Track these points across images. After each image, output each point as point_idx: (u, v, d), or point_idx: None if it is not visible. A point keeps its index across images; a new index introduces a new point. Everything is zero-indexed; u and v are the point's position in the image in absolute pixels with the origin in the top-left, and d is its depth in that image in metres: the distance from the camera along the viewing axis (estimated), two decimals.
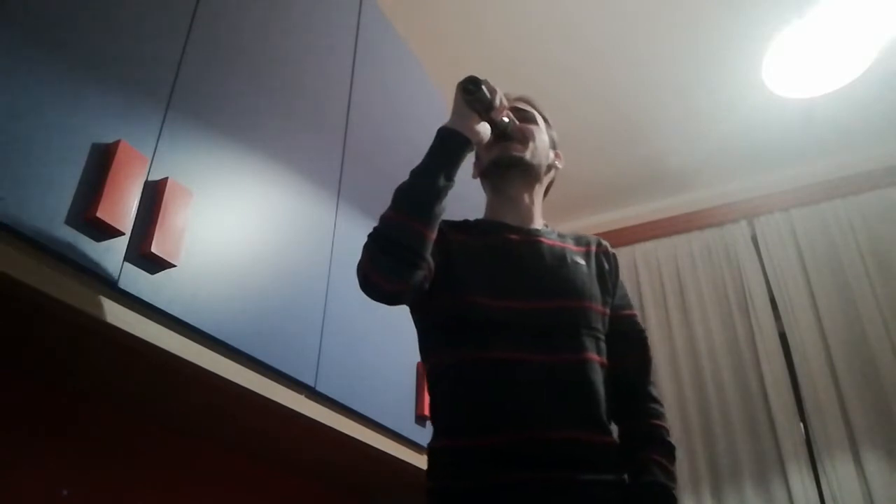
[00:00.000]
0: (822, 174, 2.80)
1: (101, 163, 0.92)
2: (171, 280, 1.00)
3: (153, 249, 0.96)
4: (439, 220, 1.02)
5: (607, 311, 1.16)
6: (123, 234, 0.93)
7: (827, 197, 2.74)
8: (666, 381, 2.69)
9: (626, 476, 1.04)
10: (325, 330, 1.31)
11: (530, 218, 1.22)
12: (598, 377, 1.06)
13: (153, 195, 0.99)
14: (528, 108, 1.30)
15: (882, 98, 2.54)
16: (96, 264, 0.89)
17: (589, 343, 1.08)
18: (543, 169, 1.26)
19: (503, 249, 1.15)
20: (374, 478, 1.64)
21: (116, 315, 0.92)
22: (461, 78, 1.09)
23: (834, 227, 2.68)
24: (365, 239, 1.02)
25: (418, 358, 1.21)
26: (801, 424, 2.49)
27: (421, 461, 1.51)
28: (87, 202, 0.89)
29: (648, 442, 1.07)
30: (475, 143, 1.08)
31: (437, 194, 1.00)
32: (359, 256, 1.02)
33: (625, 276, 3.16)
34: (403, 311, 1.18)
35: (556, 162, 1.31)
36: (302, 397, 1.24)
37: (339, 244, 1.41)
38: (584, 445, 0.99)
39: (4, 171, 0.81)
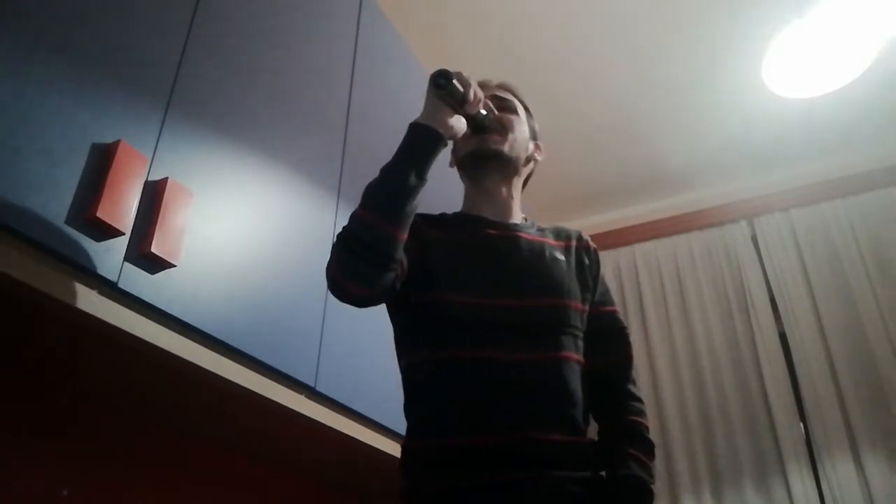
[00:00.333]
0: (822, 174, 2.80)
1: (101, 163, 0.92)
2: (171, 280, 1.00)
3: (153, 249, 0.96)
4: (411, 220, 0.98)
5: (586, 307, 1.13)
6: (123, 234, 0.93)
7: (827, 197, 2.74)
8: (666, 381, 2.69)
9: (603, 473, 1.02)
10: (325, 330, 1.31)
11: (509, 211, 1.19)
12: (575, 376, 1.04)
13: (153, 195, 0.99)
14: (509, 96, 1.24)
15: (882, 98, 2.54)
16: (96, 264, 0.89)
17: (566, 341, 1.06)
18: (522, 161, 1.21)
19: (480, 245, 1.12)
20: (374, 478, 1.64)
21: (116, 315, 0.92)
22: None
23: (834, 227, 2.68)
24: None
25: None
26: (801, 424, 2.49)
27: None
28: (87, 202, 0.89)
29: (626, 437, 1.06)
30: (449, 138, 1.03)
31: (408, 194, 0.96)
32: None
33: (625, 276, 3.15)
34: None
35: (536, 154, 1.26)
36: (302, 397, 1.24)
37: None
38: (557, 445, 0.98)
39: (5, 171, 0.81)
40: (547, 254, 1.14)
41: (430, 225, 1.13)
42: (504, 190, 1.20)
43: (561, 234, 1.21)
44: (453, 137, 1.05)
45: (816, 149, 2.78)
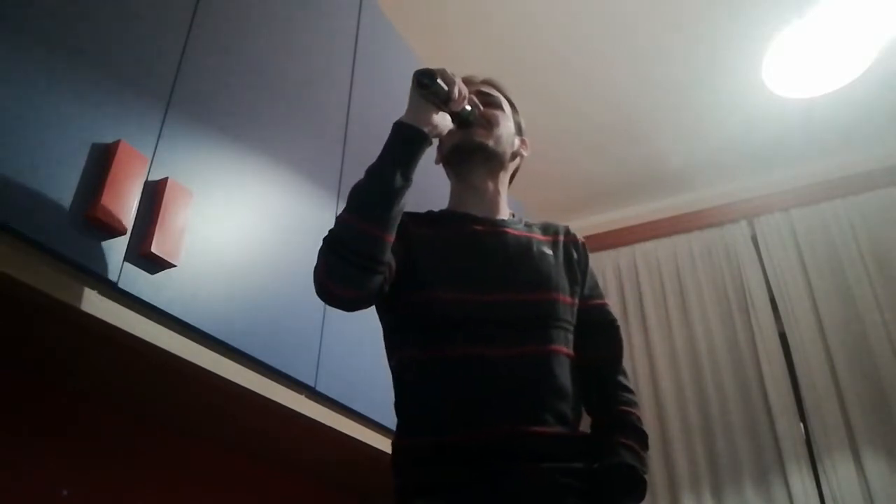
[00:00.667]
0: (822, 174, 2.79)
1: (101, 163, 0.92)
2: (171, 280, 1.00)
3: (153, 249, 0.96)
4: (398, 222, 0.98)
5: (576, 301, 1.13)
6: (123, 233, 0.93)
7: (827, 197, 2.74)
8: (666, 381, 2.69)
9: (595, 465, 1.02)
10: (325, 330, 1.31)
11: (496, 207, 1.19)
12: (565, 369, 1.04)
13: (153, 195, 0.99)
14: (494, 92, 1.24)
15: (882, 98, 2.54)
16: (96, 264, 0.89)
17: (556, 335, 1.05)
18: (508, 156, 1.21)
19: (467, 242, 1.12)
20: (374, 478, 1.64)
21: (116, 315, 0.92)
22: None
23: (834, 227, 2.68)
24: None
25: None
26: (801, 424, 2.49)
27: None
28: (88, 202, 0.89)
29: (617, 427, 1.06)
30: (434, 136, 1.03)
31: (394, 196, 0.95)
32: None
33: (625, 276, 3.15)
34: None
35: (522, 149, 1.26)
36: (302, 397, 1.24)
37: None
38: (548, 438, 0.97)
39: (5, 171, 0.81)
40: (535, 248, 1.14)
41: (416, 223, 1.13)
42: (490, 185, 1.20)
43: (549, 229, 1.21)
44: (438, 135, 1.06)
45: (816, 149, 2.78)
